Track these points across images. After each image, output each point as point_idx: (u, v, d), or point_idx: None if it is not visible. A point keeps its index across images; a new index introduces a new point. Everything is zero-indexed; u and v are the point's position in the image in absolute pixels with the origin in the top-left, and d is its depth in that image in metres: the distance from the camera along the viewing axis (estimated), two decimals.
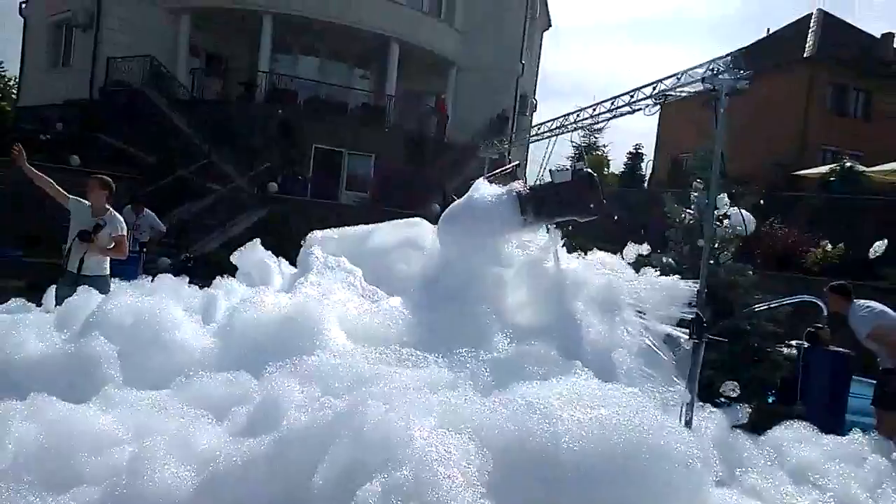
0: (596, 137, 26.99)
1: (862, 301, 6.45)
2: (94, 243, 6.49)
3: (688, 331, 4.29)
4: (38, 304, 6.32)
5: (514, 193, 5.62)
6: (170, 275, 6.90)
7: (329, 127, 21.53)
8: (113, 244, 6.65)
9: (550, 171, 5.80)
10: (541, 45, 31.64)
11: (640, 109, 4.98)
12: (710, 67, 4.03)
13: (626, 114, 5.23)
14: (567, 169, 5.70)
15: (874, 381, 6.56)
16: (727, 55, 4.04)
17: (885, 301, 6.83)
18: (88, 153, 17.31)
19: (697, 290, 4.25)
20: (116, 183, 15.40)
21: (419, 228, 7.21)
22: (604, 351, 4.92)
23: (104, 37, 21.38)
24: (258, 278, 7.10)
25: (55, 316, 5.04)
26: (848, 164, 19.18)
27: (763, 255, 7.00)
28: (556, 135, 6.95)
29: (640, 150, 28.19)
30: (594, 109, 5.60)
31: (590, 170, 5.82)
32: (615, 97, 5.43)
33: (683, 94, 4.55)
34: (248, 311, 4.72)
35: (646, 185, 27.02)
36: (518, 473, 2.86)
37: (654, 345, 4.58)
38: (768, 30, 34.27)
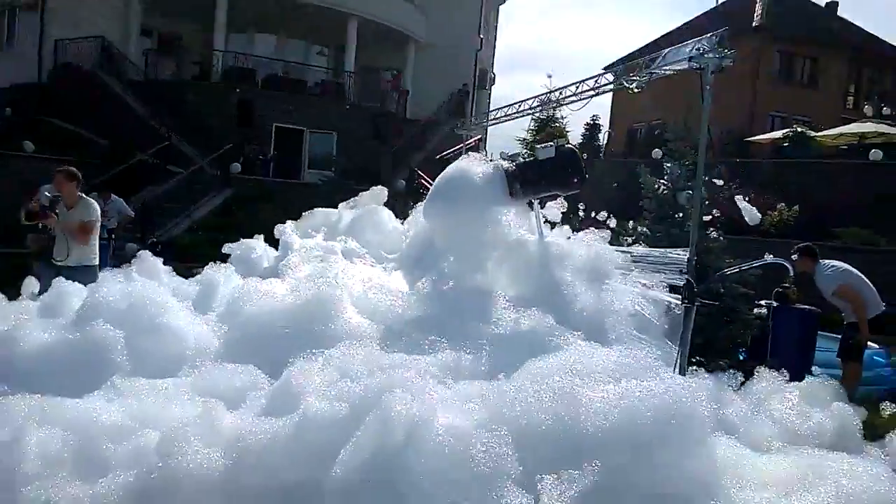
0: (554, 110, 27.12)
1: (827, 261, 6.85)
2: (52, 219, 6.54)
3: (678, 296, 4.53)
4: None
5: (502, 170, 5.75)
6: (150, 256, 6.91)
7: (288, 105, 21.28)
8: (79, 228, 6.63)
9: (535, 147, 5.96)
10: (497, 19, 31.66)
11: (625, 87, 5.15)
12: (697, 47, 4.23)
13: (610, 91, 5.41)
14: (551, 145, 5.85)
15: (838, 336, 7.00)
16: (711, 35, 4.24)
17: (840, 258, 7.28)
18: (41, 138, 16.82)
19: (688, 257, 4.48)
20: (75, 167, 15.14)
21: (379, 215, 7.45)
22: (594, 318, 5.12)
23: (50, 17, 20.63)
24: (246, 263, 7.11)
25: (43, 305, 5.01)
26: (799, 130, 19.84)
27: (723, 221, 7.38)
28: (537, 111, 7.10)
29: (597, 122, 28.44)
30: (577, 87, 5.75)
31: (572, 146, 6.00)
32: (598, 75, 5.61)
33: (669, 72, 4.74)
34: (254, 297, 4.77)
35: (601, 156, 27.43)
36: (546, 452, 2.95)
37: (645, 310, 4.81)
38: (717, 1, 34.92)
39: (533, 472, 2.87)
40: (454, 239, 5.55)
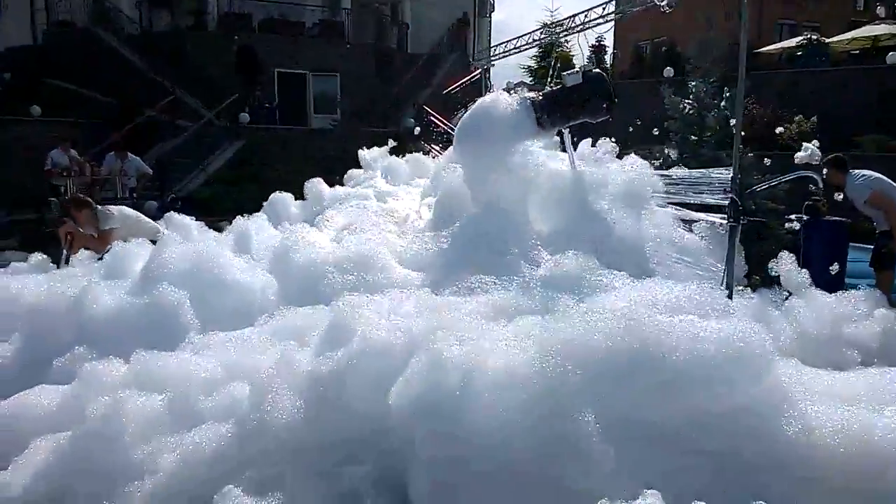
0: (557, 34, 26.55)
1: (857, 171, 6.82)
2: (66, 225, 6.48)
3: (721, 215, 4.57)
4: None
5: (528, 101, 5.70)
6: (177, 214, 6.96)
7: (288, 49, 20.88)
8: (95, 234, 6.55)
9: (561, 74, 5.88)
10: None
11: (659, 4, 5.04)
12: None
13: (637, 9, 5.30)
14: (577, 71, 5.78)
15: (867, 247, 7.05)
16: None
17: (861, 166, 7.23)
18: (44, 101, 16.67)
19: (731, 176, 4.49)
20: (81, 128, 15.09)
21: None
22: (634, 244, 5.17)
23: None
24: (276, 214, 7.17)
25: (106, 268, 5.12)
26: (814, 38, 19.36)
27: (747, 137, 7.33)
28: (569, 34, 6.95)
29: (602, 44, 27.85)
30: (603, 8, 5.64)
31: (599, 70, 5.93)
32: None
33: None
34: (302, 246, 4.85)
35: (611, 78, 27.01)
36: (611, 386, 2.91)
37: (686, 232, 4.85)
38: None
39: (602, 410, 2.83)
40: (487, 176, 5.55)
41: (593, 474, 2.61)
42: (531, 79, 28.74)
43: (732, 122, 7.30)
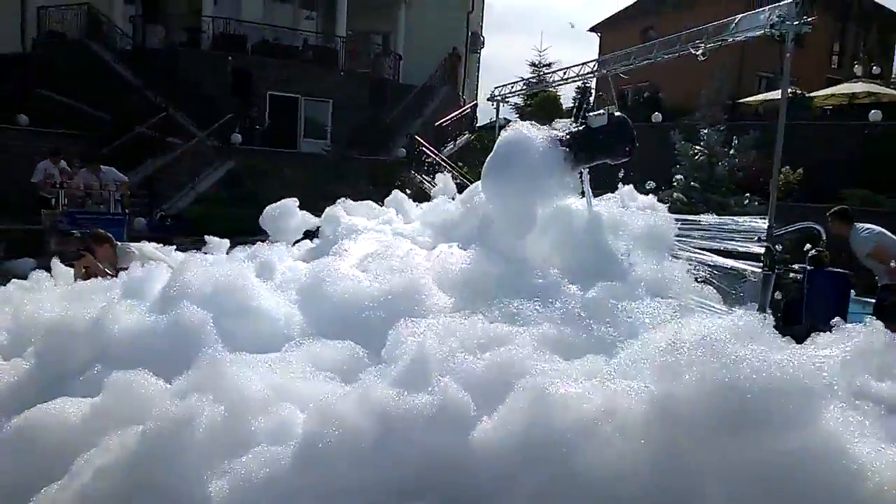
0: (544, 73, 27.02)
1: (861, 224, 7.02)
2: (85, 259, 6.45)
3: (757, 263, 4.67)
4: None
5: (557, 139, 5.77)
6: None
7: (282, 73, 20.97)
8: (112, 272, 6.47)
9: (586, 116, 5.98)
10: None
11: (691, 52, 5.18)
12: (778, 14, 4.28)
13: (676, 56, 5.44)
14: (602, 113, 5.89)
15: (868, 300, 7.24)
16: (791, 1, 4.28)
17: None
18: (35, 111, 16.46)
19: (768, 225, 4.60)
20: (70, 141, 14.95)
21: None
22: (654, 288, 5.20)
23: None
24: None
25: (126, 288, 5.02)
26: (798, 92, 20.02)
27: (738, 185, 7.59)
28: (586, 77, 7.08)
29: (587, 85, 28.36)
30: (648, 51, 5.78)
31: (622, 114, 6.05)
32: (662, 39, 5.62)
33: (741, 38, 4.79)
34: (335, 277, 4.79)
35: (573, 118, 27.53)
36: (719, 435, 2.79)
37: (715, 279, 4.93)
38: None
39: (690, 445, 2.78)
40: (514, 211, 5.54)
41: None
42: (517, 116, 29.14)
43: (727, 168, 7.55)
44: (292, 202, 7.23)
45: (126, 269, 6.24)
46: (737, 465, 2.72)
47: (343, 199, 7.48)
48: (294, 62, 21.76)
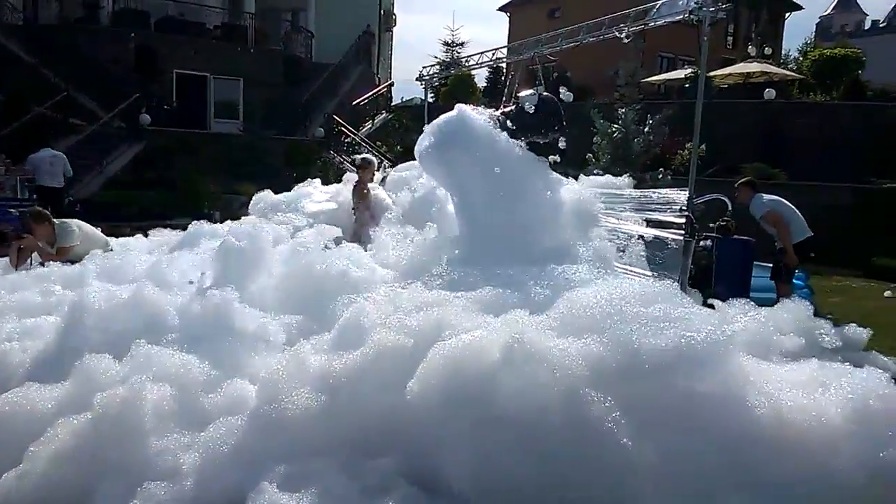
0: (458, 52, 27.29)
1: (766, 195, 7.66)
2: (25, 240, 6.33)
3: (675, 231, 5.06)
4: None
5: (495, 118, 5.96)
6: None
7: (188, 50, 20.24)
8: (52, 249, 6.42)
9: (518, 96, 6.23)
10: None
11: (618, 35, 5.48)
12: (696, 1, 4.62)
13: (600, 38, 5.73)
14: (533, 94, 6.14)
15: (769, 265, 7.90)
16: None
17: None
18: None
19: (687, 196, 4.98)
20: None
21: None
22: (585, 257, 5.54)
23: None
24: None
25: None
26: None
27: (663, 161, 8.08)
28: (526, 57, 7.28)
29: (500, 64, 28.78)
30: (572, 34, 6.04)
31: (550, 94, 6.33)
32: (593, 21, 5.89)
33: (662, 23, 5.13)
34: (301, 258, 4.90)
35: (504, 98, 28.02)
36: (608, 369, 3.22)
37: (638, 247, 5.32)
38: None
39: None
40: (458, 184, 5.67)
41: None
42: (432, 95, 29.26)
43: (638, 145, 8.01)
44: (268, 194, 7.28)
45: (70, 247, 6.12)
46: (647, 406, 3.10)
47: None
48: (201, 39, 21.01)
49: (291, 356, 3.54)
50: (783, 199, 7.67)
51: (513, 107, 6.26)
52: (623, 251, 5.58)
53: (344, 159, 16.80)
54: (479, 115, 5.79)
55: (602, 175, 7.83)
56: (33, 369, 3.88)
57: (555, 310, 3.80)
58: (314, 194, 7.49)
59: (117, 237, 7.59)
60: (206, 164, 15.56)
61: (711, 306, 5.77)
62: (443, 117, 6.28)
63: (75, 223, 6.63)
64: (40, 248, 6.22)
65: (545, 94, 6.30)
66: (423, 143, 5.92)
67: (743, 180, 7.79)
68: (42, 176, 11.75)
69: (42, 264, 6.03)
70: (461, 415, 3.05)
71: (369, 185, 7.30)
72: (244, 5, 22.48)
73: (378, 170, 7.47)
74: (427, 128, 6.09)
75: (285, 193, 7.65)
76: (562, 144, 5.81)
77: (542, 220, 5.68)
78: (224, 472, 3.09)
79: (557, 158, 5.81)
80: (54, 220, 6.51)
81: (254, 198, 7.37)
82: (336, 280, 4.67)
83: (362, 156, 7.13)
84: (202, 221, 6.63)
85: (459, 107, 6.03)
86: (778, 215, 7.60)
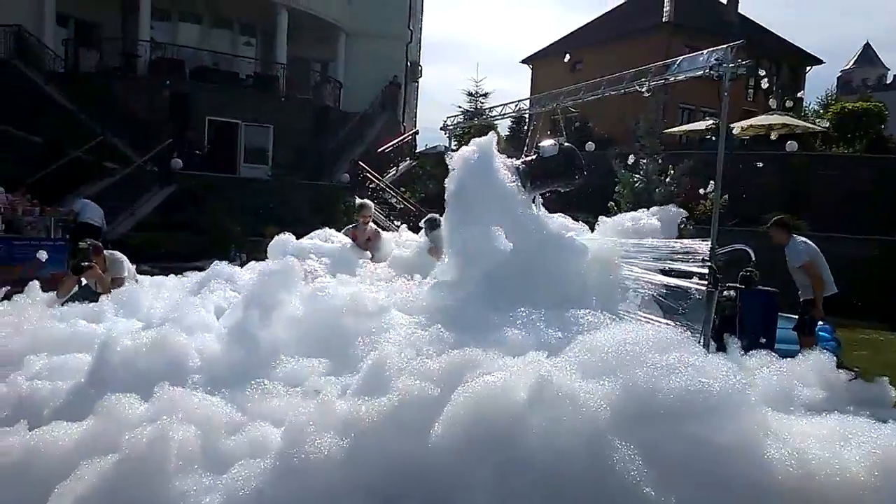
0: (482, 102, 27.75)
1: (799, 237, 7.61)
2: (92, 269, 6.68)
3: (702, 282, 5.08)
4: None
5: (514, 168, 6.09)
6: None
7: (221, 98, 20.86)
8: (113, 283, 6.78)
9: (538, 146, 6.38)
10: (422, 10, 31.88)
11: (638, 90, 5.63)
12: (716, 58, 4.76)
13: (622, 92, 5.89)
14: (554, 143, 6.29)
15: (793, 316, 7.82)
16: (728, 46, 4.77)
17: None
18: None
19: (710, 246, 5.03)
20: (4, 167, 14.48)
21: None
22: (605, 307, 5.55)
23: None
24: None
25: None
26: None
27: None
28: (548, 109, 7.45)
29: (522, 115, 29.22)
30: (594, 88, 6.20)
31: (571, 144, 6.47)
32: (614, 76, 6.05)
33: (684, 78, 5.27)
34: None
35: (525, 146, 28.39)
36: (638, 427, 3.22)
37: (664, 296, 5.33)
38: None
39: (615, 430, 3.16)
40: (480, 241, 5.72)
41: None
42: (455, 144, 29.70)
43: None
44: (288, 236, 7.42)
45: (122, 278, 6.42)
46: (666, 453, 3.10)
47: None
48: (233, 87, 21.69)
49: (318, 402, 3.58)
50: (817, 248, 7.60)
51: (534, 156, 6.42)
52: (644, 300, 5.61)
53: None
54: (506, 166, 5.80)
55: None
56: (61, 407, 3.95)
57: (570, 352, 3.85)
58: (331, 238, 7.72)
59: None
60: (234, 208, 15.89)
61: (724, 349, 5.77)
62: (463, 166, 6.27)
63: (121, 255, 6.93)
64: (102, 277, 6.52)
65: (566, 144, 6.44)
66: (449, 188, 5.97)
67: (776, 220, 7.73)
68: (93, 214, 12.23)
69: (86, 297, 6.25)
70: (484, 457, 3.07)
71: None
72: (276, 56, 23.19)
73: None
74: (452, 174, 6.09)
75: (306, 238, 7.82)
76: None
77: (559, 267, 5.74)
78: None
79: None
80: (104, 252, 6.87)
81: (273, 240, 7.50)
82: (356, 320, 4.75)
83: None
84: (223, 263, 6.78)
85: (479, 158, 5.88)
86: (817, 268, 7.53)
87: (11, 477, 3.36)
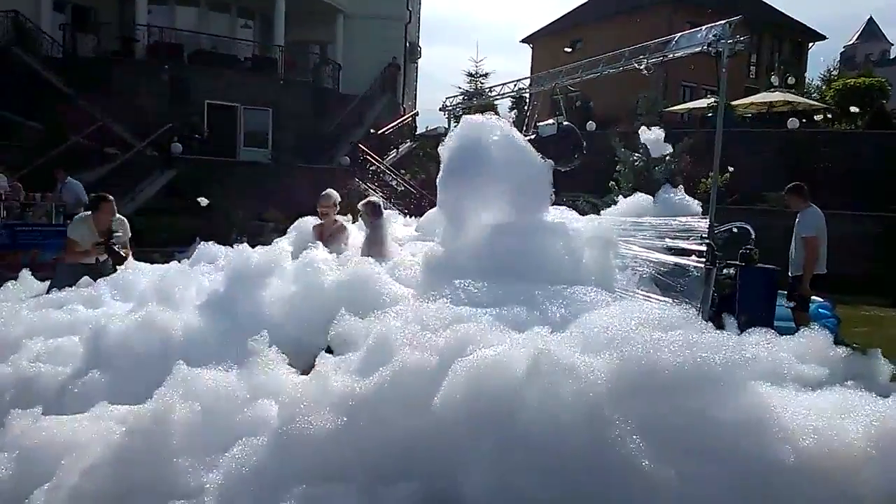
0: (482, 82, 27.62)
1: (816, 208, 7.59)
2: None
3: (700, 259, 5.09)
4: None
5: None
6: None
7: (220, 82, 20.78)
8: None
9: (537, 125, 6.36)
10: None
11: (638, 67, 5.59)
12: (713, 33, 4.73)
13: (620, 70, 5.86)
14: (553, 123, 6.27)
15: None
16: (726, 22, 4.74)
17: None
18: None
19: (709, 224, 5.03)
20: (4, 153, 14.52)
21: None
22: (603, 284, 5.56)
23: None
24: None
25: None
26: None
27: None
28: (548, 87, 7.42)
29: (522, 94, 29.05)
30: (592, 66, 6.18)
31: (571, 123, 6.45)
32: (612, 53, 6.02)
33: (682, 55, 5.24)
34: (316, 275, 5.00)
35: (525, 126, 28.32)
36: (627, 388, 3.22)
37: (662, 274, 5.34)
38: None
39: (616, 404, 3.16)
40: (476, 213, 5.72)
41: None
42: (455, 125, 29.61)
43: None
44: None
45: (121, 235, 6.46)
46: (665, 427, 3.10)
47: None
48: (232, 71, 21.57)
49: (314, 376, 3.61)
50: (824, 224, 7.60)
51: (533, 135, 6.40)
52: (643, 277, 5.62)
53: (369, 187, 17.05)
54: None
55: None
56: (62, 389, 3.99)
57: (573, 329, 3.86)
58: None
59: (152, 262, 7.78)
60: (234, 192, 15.88)
61: (722, 326, 5.78)
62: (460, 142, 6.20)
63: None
64: (123, 220, 6.58)
65: (565, 123, 6.43)
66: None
67: (792, 185, 7.73)
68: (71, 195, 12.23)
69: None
70: (484, 432, 3.09)
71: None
72: (274, 38, 23.05)
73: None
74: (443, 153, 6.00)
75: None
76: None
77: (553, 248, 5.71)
78: (245, 492, 3.15)
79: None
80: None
81: (294, 224, 7.36)
82: (359, 296, 4.77)
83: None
84: (210, 243, 6.63)
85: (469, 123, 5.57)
86: (816, 245, 7.55)
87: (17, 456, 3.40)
